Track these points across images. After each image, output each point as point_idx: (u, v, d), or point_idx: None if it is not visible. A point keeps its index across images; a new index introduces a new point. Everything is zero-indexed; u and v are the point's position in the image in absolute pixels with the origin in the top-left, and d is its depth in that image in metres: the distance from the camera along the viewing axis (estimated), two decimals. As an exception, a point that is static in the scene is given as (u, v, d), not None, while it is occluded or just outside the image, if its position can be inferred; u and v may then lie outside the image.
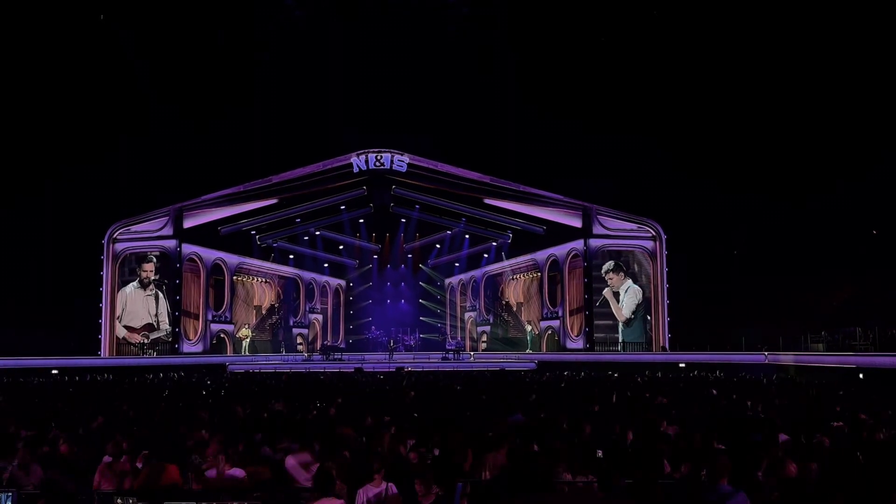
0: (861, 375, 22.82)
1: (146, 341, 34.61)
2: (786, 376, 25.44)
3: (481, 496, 6.26)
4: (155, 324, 34.87)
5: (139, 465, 7.39)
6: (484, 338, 42.05)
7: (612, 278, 35.44)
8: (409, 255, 45.73)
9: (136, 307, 35.07)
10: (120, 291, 35.10)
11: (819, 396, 15.12)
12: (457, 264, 44.56)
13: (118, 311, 35.05)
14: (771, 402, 13.90)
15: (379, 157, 36.67)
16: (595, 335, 34.77)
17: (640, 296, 35.36)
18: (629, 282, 35.46)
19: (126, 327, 34.95)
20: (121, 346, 34.76)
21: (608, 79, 34.70)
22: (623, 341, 35.00)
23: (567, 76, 35.64)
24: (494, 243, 42.28)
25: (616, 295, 35.39)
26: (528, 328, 38.46)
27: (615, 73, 34.68)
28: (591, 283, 35.13)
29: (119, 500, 5.55)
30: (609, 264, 35.42)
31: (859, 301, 31.02)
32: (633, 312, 35.33)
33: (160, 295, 35.05)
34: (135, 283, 35.22)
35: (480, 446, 7.80)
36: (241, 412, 12.07)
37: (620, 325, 35.25)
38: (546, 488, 6.07)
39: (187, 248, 35.70)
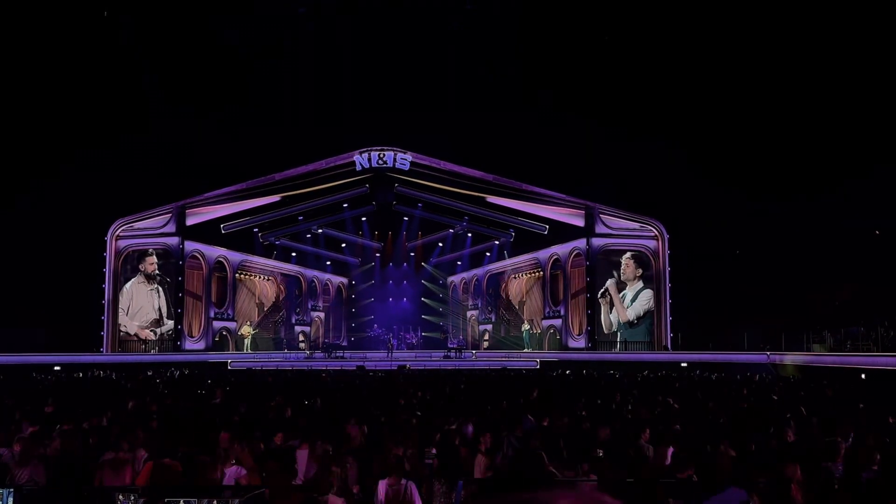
0: (863, 376, 22.77)
1: (156, 338, 34.64)
2: (786, 376, 25.38)
3: (482, 493, 6.28)
4: (160, 319, 34.95)
5: (141, 462, 7.41)
6: (486, 336, 42.03)
7: (628, 266, 35.02)
8: (412, 254, 45.68)
9: (142, 302, 35.10)
10: (123, 288, 35.14)
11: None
12: (459, 263, 44.51)
13: (125, 307, 35.07)
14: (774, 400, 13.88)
15: (381, 155, 36.65)
16: (596, 334, 34.70)
17: (651, 302, 35.01)
18: (641, 283, 35.20)
19: (136, 324, 34.96)
20: (125, 342, 34.78)
21: (613, 77, 34.65)
22: (625, 340, 34.86)
23: (571, 74, 35.59)
24: (497, 242, 42.20)
25: (621, 287, 35.11)
26: (526, 327, 38.34)
27: (620, 72, 34.64)
28: (593, 282, 35.03)
29: (121, 497, 5.58)
30: (630, 253, 35.18)
31: (861, 301, 30.95)
32: (639, 318, 35.08)
33: (160, 290, 35.08)
34: (137, 278, 35.22)
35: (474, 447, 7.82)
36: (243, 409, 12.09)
37: (619, 323, 35.01)
38: (545, 485, 6.08)
39: (190, 246, 35.70)
